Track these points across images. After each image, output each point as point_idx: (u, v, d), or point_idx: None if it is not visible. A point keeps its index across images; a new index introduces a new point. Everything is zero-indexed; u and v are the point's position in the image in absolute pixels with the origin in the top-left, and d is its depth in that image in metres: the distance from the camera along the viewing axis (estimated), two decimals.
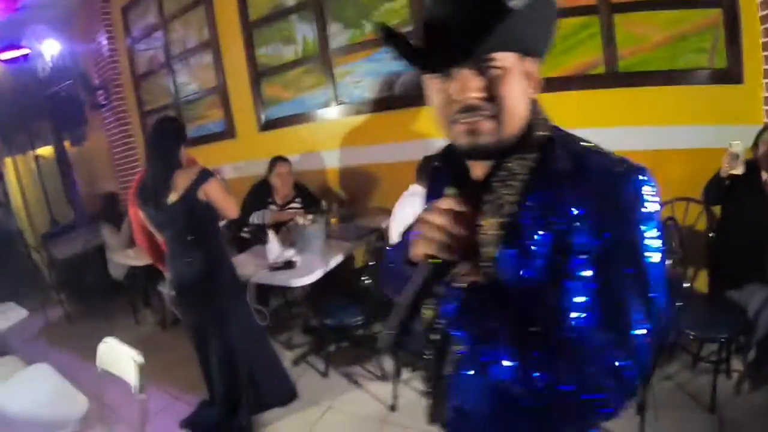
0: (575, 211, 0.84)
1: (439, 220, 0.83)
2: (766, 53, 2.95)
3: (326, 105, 4.33)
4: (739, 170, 2.68)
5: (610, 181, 0.84)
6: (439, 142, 3.32)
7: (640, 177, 0.84)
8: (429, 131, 3.88)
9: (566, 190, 0.85)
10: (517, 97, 0.88)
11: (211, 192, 2.76)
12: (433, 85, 0.90)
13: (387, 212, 4.09)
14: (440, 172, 1.12)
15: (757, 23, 2.94)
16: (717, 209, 3.05)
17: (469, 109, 0.85)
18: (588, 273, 0.82)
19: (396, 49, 0.87)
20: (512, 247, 0.88)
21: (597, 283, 0.82)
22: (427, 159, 3.17)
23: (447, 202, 0.84)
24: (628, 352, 0.79)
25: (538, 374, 0.80)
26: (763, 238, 2.72)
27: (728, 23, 3.00)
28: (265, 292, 3.73)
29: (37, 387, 2.46)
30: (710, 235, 3.00)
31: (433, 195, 1.12)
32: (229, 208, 2.89)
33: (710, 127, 3.11)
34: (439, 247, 0.83)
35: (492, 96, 0.85)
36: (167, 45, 5.25)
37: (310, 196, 4.21)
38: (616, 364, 0.78)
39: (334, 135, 4.35)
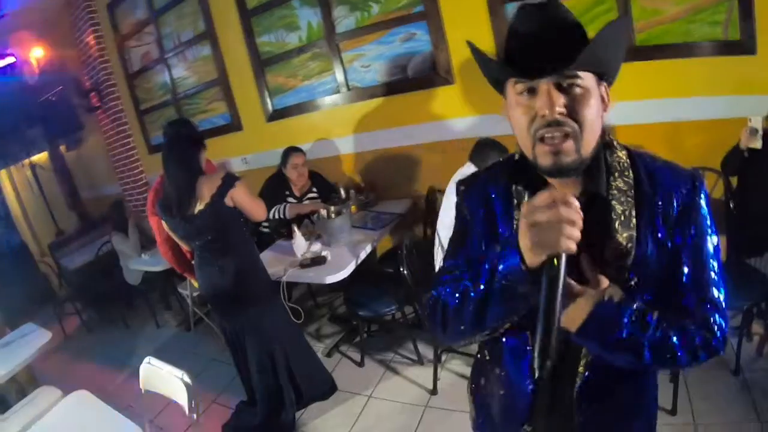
0: (675, 216, 1.00)
1: (555, 215, 0.84)
2: None
3: (336, 91, 4.25)
4: (758, 144, 2.75)
5: (693, 189, 1.01)
6: (454, 122, 3.29)
7: (704, 183, 1.03)
8: (443, 112, 3.86)
9: (660, 199, 1.01)
10: (595, 117, 0.96)
11: (238, 197, 2.71)
12: (518, 104, 0.97)
13: (408, 196, 4.13)
14: (475, 191, 1.17)
15: None
16: (733, 179, 3.11)
17: (554, 123, 0.92)
18: (690, 261, 1.00)
19: (485, 59, 0.99)
20: (642, 256, 1.00)
21: (695, 266, 1.01)
22: (479, 143, 3.11)
23: (551, 196, 0.86)
24: (721, 310, 1.00)
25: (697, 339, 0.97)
26: None
27: None
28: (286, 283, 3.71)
29: (82, 418, 2.36)
30: (730, 205, 3.03)
31: (477, 212, 1.14)
32: (257, 211, 2.85)
33: (725, 98, 3.19)
34: (565, 241, 0.84)
35: (574, 114, 0.92)
36: (160, 39, 5.09)
37: (326, 184, 4.16)
38: (723, 324, 0.99)
39: (346, 121, 4.28)
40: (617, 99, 3.25)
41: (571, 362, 1.07)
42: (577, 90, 0.92)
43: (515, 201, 1.08)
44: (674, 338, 0.95)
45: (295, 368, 3.01)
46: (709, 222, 1.02)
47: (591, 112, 0.94)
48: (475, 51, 1.00)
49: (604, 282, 0.96)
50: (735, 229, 3.02)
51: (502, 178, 1.12)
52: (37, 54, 5.61)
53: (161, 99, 5.38)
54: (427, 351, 3.39)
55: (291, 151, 3.93)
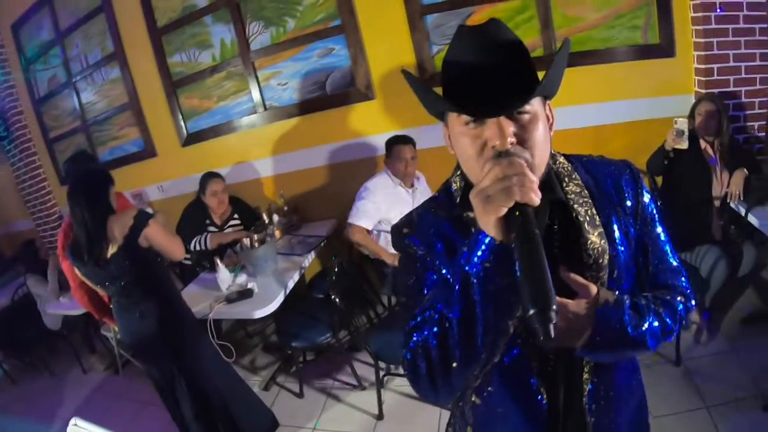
0: (629, 204, 1.06)
1: (497, 173, 0.81)
2: (695, 27, 3.20)
3: (252, 111, 4.10)
4: (684, 145, 2.89)
5: (632, 175, 1.08)
6: (376, 138, 3.35)
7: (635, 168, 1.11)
8: (365, 128, 3.81)
9: (611, 191, 1.05)
10: (544, 139, 0.94)
11: (153, 236, 2.51)
12: (463, 134, 0.93)
13: (333, 217, 4.07)
14: (425, 227, 1.08)
15: None
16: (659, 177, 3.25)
17: (505, 154, 0.86)
18: (650, 240, 1.08)
19: (429, 96, 0.93)
20: (614, 249, 1.01)
21: (654, 243, 1.08)
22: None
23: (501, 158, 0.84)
24: (683, 273, 1.11)
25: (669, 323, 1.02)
26: (706, 201, 3.05)
27: (660, 0, 3.19)
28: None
29: None
30: (658, 203, 3.12)
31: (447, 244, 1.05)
32: (174, 250, 2.65)
33: (646, 100, 3.37)
34: (516, 189, 0.80)
35: (524, 141, 0.89)
36: (67, 62, 4.76)
37: (247, 210, 3.99)
38: (687, 285, 1.10)
39: (265, 142, 4.15)
40: None
41: (576, 374, 1.07)
42: (526, 116, 0.90)
43: (473, 229, 0.96)
44: (665, 315, 1.01)
45: (232, 409, 2.82)
46: (654, 202, 1.09)
47: (540, 137, 0.92)
48: (415, 83, 0.95)
49: (593, 288, 0.94)
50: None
51: (451, 210, 1.06)
52: None
53: (71, 126, 5.02)
54: (366, 374, 3.35)
55: (209, 177, 3.74)
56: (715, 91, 3.18)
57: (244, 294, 3.04)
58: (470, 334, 0.87)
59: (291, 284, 3.17)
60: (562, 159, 1.07)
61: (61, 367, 4.68)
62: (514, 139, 0.87)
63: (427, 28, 3.51)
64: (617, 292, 0.98)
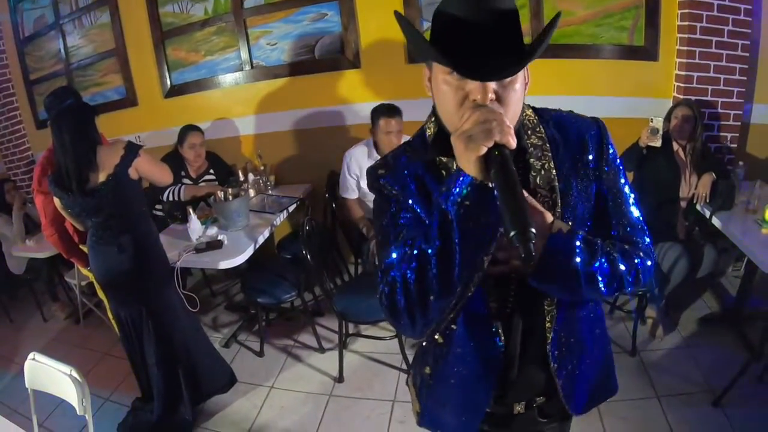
0: (591, 160, 1.07)
1: (478, 117, 0.86)
2: (680, 35, 3.28)
3: (239, 69, 4.08)
4: (657, 143, 2.97)
5: (600, 132, 1.09)
6: (358, 107, 3.28)
7: (605, 126, 1.11)
8: (348, 96, 3.82)
9: (574, 147, 1.08)
10: (520, 98, 0.99)
11: (143, 166, 2.56)
12: (446, 83, 0.96)
13: (308, 180, 4.10)
14: (399, 170, 1.12)
15: (675, 7, 3.26)
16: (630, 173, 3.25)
17: (483, 107, 0.90)
18: (611, 195, 1.09)
19: (421, 45, 0.95)
20: (569, 203, 1.05)
21: (616, 199, 1.10)
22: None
23: (476, 104, 0.90)
24: (646, 232, 1.11)
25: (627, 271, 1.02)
26: (673, 200, 3.16)
27: (649, 5, 3.29)
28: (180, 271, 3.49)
29: None
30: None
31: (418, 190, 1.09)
32: (164, 175, 2.76)
33: (625, 99, 3.44)
34: (496, 131, 0.84)
35: (501, 99, 0.93)
36: (56, 3, 4.65)
37: (223, 166, 3.98)
38: (650, 243, 1.10)
39: (248, 101, 4.14)
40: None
41: (538, 321, 1.13)
42: (508, 78, 0.93)
43: (444, 173, 1.07)
44: (620, 261, 1.00)
45: (194, 360, 2.83)
46: (618, 160, 1.10)
47: (517, 96, 0.96)
48: (408, 29, 0.96)
49: (548, 215, 0.96)
50: None
51: (424, 154, 1.10)
52: None
53: (52, 69, 4.91)
54: (327, 339, 3.42)
55: (189, 129, 3.72)
56: (693, 98, 3.26)
57: (214, 245, 3.04)
58: (447, 268, 0.91)
59: (261, 240, 3.18)
60: (529, 111, 1.10)
61: (21, 314, 4.58)
62: (494, 96, 0.91)
63: (420, 5, 3.54)
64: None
